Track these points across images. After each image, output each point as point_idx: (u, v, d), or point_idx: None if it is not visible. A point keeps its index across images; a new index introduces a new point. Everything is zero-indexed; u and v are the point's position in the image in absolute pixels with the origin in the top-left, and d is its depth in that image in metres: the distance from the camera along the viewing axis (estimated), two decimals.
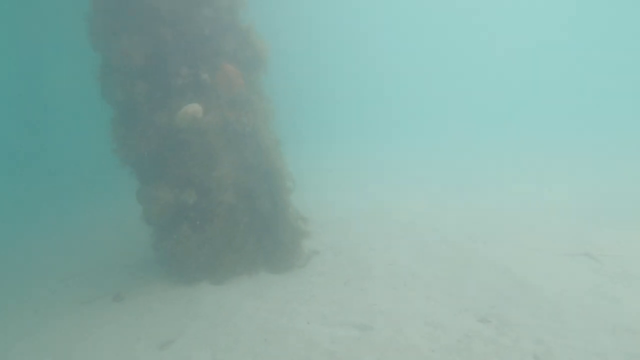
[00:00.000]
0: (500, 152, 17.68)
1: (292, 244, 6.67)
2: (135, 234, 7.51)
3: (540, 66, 43.53)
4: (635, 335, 3.98)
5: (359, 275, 5.95)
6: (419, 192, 11.32)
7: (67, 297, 6.02)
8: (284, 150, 7.06)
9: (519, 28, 46.18)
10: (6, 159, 21.92)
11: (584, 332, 4.04)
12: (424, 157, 18.06)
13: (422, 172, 14.51)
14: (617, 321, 4.21)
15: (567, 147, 17.44)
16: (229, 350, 4.19)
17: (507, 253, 6.31)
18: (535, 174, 12.91)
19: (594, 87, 34.54)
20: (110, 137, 6.05)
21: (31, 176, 19.22)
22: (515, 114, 30.83)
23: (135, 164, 6.38)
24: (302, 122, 28.30)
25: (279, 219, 6.50)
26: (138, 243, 7.46)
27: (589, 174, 12.27)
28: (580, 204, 8.95)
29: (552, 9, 43.45)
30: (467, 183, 12.18)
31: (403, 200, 10.53)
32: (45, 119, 28.22)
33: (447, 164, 15.95)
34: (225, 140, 6.26)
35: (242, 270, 6.32)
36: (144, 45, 5.56)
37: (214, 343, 4.36)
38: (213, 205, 6.08)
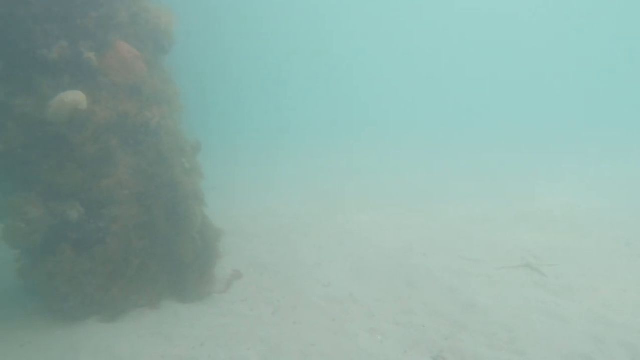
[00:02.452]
0: (431, 156, 18.09)
1: (205, 266, 5.57)
2: None
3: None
4: None
5: (289, 302, 5.07)
6: (349, 199, 10.78)
7: None
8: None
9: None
10: None
11: None
12: (356, 161, 17.78)
13: (353, 177, 14.11)
14: (570, 346, 3.89)
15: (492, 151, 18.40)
16: None
17: (448, 266, 5.90)
18: (464, 178, 13.20)
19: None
20: None
21: None
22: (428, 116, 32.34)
23: None
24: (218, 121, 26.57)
25: (184, 238, 5.31)
26: None
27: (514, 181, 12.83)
28: (508, 210, 9.06)
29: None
30: (399, 187, 11.97)
31: (332, 207, 9.86)
32: None
33: (378, 167, 15.78)
34: (121, 139, 4.94)
35: (143, 301, 5.06)
36: None
37: None
38: (104, 222, 4.73)
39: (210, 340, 4.23)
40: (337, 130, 28.40)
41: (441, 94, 41.50)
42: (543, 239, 7.02)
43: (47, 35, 4.27)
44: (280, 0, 38.66)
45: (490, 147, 19.12)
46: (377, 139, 23.97)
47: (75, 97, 4.22)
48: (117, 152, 4.84)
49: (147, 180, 5.18)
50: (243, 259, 6.61)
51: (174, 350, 4.10)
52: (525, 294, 4.95)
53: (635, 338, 3.95)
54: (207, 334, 4.36)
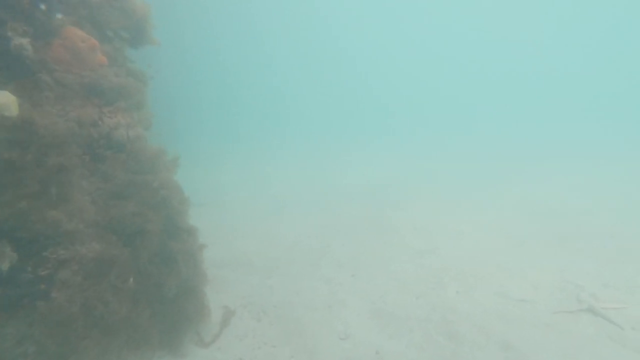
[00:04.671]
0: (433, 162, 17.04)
1: (190, 307, 4.47)
2: None
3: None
4: None
5: None
6: (352, 217, 9.59)
7: None
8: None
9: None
10: None
11: None
12: (350, 167, 16.66)
13: (349, 185, 12.96)
14: None
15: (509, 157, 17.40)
16: None
17: (491, 309, 4.77)
18: (478, 186, 12.14)
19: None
20: None
21: None
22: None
23: None
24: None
25: (164, 275, 4.22)
26: None
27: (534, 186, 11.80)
28: (541, 230, 7.94)
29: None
30: (410, 201, 10.84)
31: (333, 227, 8.66)
32: None
33: (382, 179, 14.66)
34: (75, 155, 3.75)
35: None
36: None
37: None
38: (48, 269, 3.51)
39: None
40: (329, 137, 27.38)
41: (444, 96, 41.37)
42: (591, 266, 5.92)
43: None
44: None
45: (499, 155, 18.18)
46: (375, 146, 22.93)
47: (1, 100, 3.03)
48: (68, 174, 3.64)
49: (113, 207, 4.00)
50: (236, 298, 5.43)
51: None
52: (604, 354, 3.83)
53: None
54: None
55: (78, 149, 3.79)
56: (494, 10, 44.87)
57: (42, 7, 3.18)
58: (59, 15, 3.41)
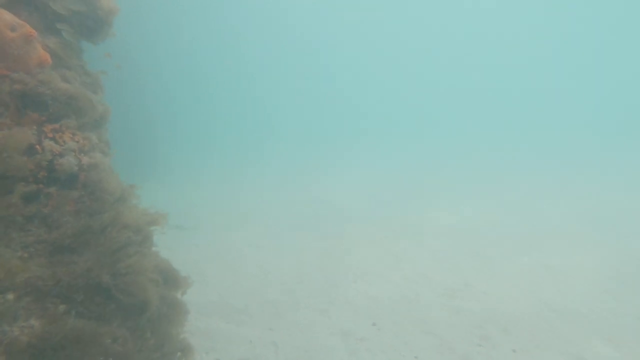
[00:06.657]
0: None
1: None
2: None
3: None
4: None
5: None
6: (360, 243, 8.50)
7: None
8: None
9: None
10: None
11: None
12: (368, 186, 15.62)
13: (355, 209, 11.90)
14: None
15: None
16: None
17: None
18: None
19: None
20: None
21: None
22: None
23: None
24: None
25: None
26: None
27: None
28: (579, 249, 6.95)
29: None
30: (423, 224, 9.81)
31: (342, 258, 7.52)
32: None
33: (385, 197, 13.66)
34: (8, 187, 2.63)
35: None
36: None
37: None
38: None
39: None
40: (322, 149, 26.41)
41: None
42: None
43: None
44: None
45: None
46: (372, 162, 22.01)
47: None
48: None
49: (59, 264, 2.86)
50: None
51: None
52: None
53: None
54: None
55: (8, 185, 2.66)
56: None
57: None
58: None
